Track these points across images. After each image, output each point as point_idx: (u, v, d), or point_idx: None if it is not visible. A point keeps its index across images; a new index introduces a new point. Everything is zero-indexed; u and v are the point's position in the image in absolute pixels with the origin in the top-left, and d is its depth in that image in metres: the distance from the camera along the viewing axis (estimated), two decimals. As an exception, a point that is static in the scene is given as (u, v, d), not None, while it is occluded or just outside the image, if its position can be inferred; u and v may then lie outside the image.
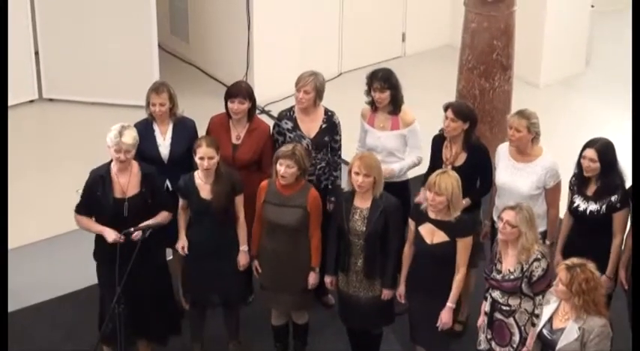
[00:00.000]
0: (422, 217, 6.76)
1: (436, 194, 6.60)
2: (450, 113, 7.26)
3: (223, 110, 7.56)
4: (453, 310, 6.77)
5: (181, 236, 7.18)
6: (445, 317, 6.75)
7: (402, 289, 6.99)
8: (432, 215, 6.71)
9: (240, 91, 7.50)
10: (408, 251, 6.94)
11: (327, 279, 7.14)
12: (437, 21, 11.88)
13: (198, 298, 7.34)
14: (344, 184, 7.20)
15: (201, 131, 7.56)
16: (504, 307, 6.53)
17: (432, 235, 6.72)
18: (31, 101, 10.68)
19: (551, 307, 6.14)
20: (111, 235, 6.79)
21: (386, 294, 7.00)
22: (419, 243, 6.78)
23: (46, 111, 10.66)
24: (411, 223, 6.87)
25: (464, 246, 6.69)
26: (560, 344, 6.00)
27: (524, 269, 6.41)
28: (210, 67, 11.36)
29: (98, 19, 10.37)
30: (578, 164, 7.00)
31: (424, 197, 7.08)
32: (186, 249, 7.14)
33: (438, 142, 7.46)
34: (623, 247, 7.00)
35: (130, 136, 6.83)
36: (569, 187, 7.13)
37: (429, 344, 6.98)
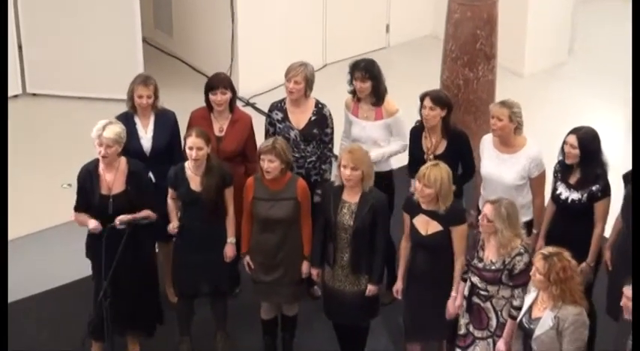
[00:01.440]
0: (415, 209, 6.76)
1: (425, 186, 6.61)
2: (428, 102, 7.29)
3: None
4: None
5: (173, 218, 7.14)
6: (452, 308, 6.73)
7: (399, 285, 6.97)
8: (424, 206, 6.71)
9: (220, 81, 7.52)
10: (405, 245, 6.91)
11: (314, 271, 7.14)
12: (420, 11, 11.88)
13: (187, 289, 7.32)
14: (334, 178, 7.18)
15: (184, 124, 7.56)
16: (482, 292, 6.51)
17: (427, 225, 6.71)
18: (15, 96, 10.64)
19: (530, 296, 6.16)
20: (92, 224, 6.82)
21: (371, 290, 6.96)
22: (414, 235, 6.77)
23: (30, 106, 10.62)
24: (406, 217, 6.84)
25: (459, 234, 6.68)
26: (536, 333, 6.02)
27: (506, 262, 6.39)
28: (194, 61, 11.34)
29: (82, 13, 10.33)
30: (562, 150, 7.03)
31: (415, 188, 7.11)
32: (176, 228, 7.09)
33: (416, 133, 7.50)
34: (611, 231, 7.02)
35: (112, 132, 6.82)
36: (553, 174, 7.15)
37: (432, 335, 6.96)
